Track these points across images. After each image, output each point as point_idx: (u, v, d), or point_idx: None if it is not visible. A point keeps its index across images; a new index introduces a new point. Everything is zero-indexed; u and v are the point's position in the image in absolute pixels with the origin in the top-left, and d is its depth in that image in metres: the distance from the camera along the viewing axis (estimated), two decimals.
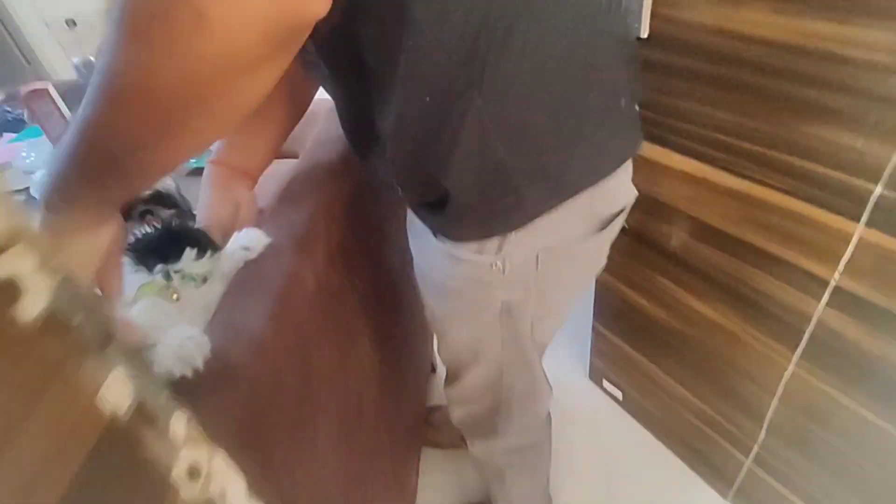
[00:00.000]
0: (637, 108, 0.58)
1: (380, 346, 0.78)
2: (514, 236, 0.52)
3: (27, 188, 1.12)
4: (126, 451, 0.21)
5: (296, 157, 0.75)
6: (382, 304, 0.79)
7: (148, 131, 0.34)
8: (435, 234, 0.55)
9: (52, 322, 0.17)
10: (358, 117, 0.52)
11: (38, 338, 0.17)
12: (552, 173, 0.49)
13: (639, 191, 0.62)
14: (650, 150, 0.87)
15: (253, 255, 0.56)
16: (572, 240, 0.56)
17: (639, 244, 0.99)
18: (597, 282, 1.17)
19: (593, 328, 1.27)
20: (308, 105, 0.68)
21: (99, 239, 0.44)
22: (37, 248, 0.17)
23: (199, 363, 0.46)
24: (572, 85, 0.47)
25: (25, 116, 1.34)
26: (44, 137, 1.21)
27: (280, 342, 0.50)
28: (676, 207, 0.88)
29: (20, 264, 0.16)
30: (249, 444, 0.45)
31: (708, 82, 0.74)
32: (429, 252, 0.58)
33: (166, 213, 0.55)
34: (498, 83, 0.43)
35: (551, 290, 0.60)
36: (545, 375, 0.76)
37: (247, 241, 0.57)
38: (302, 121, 0.70)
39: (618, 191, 0.57)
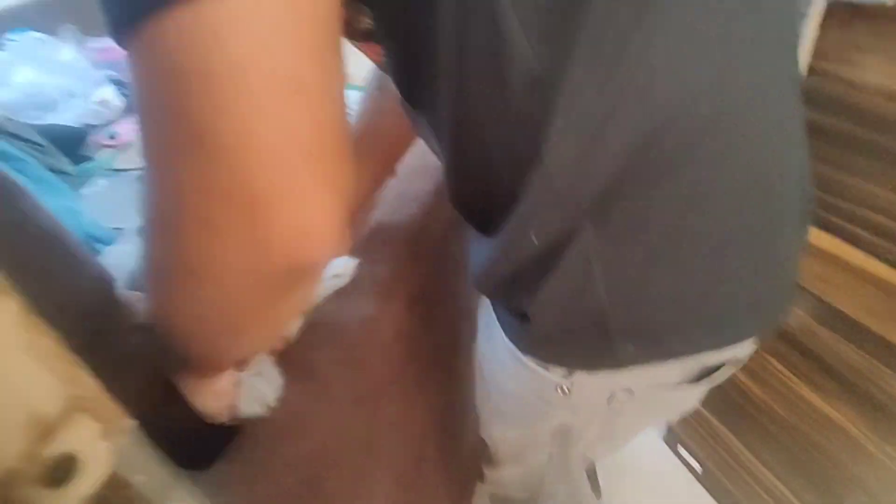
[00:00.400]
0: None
1: (449, 388, 0.74)
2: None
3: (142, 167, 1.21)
4: None
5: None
6: (457, 344, 0.76)
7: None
8: (505, 333, 0.47)
9: (111, 482, 0.14)
10: (469, 203, 0.45)
11: None
12: (657, 334, 0.38)
13: None
14: None
15: (345, 281, 0.53)
16: (661, 386, 0.45)
17: None
18: None
19: None
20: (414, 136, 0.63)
21: (221, 387, 0.41)
22: (99, 414, 0.14)
23: (272, 401, 0.44)
24: (722, 244, 0.35)
25: None
26: None
27: (350, 391, 0.48)
28: (801, 284, 0.77)
29: (79, 437, 0.13)
30: (306, 500, 0.43)
31: (865, 152, 0.63)
32: (495, 339, 0.49)
33: None
34: (623, 224, 0.34)
35: (619, 425, 0.51)
36: (596, 484, 0.66)
37: (336, 269, 0.54)
38: None
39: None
